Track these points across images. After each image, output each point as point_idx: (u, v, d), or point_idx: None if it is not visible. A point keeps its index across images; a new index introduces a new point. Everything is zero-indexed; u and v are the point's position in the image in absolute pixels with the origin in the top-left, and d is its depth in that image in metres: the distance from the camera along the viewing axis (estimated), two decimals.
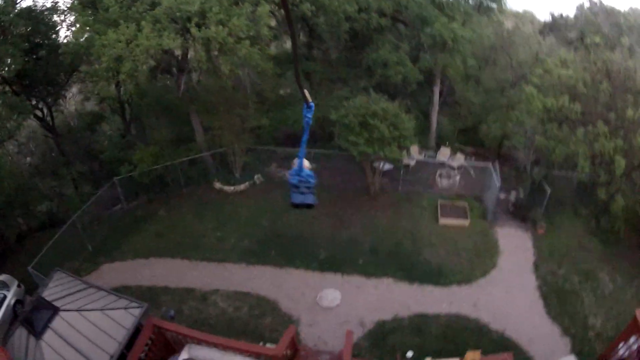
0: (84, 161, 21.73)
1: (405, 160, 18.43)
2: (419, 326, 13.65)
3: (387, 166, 18.36)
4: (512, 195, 18.60)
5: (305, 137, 3.53)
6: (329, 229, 17.11)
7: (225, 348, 8.76)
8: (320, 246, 16.20)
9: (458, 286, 15.01)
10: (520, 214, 17.87)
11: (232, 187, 18.71)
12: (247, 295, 14.77)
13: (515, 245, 16.81)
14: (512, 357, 8.01)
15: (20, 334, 10.46)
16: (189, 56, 16.94)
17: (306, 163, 3.57)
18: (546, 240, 17.19)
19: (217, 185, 18.89)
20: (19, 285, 15.42)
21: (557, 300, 14.79)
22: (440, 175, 19.00)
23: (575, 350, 13.28)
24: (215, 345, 8.82)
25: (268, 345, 12.88)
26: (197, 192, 19.35)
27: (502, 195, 18.45)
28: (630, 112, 15.17)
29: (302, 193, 4.08)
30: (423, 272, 15.35)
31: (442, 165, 19.34)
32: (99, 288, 12.38)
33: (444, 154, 19.80)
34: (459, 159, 19.27)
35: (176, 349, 9.35)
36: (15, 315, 14.48)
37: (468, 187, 18.93)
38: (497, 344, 13.07)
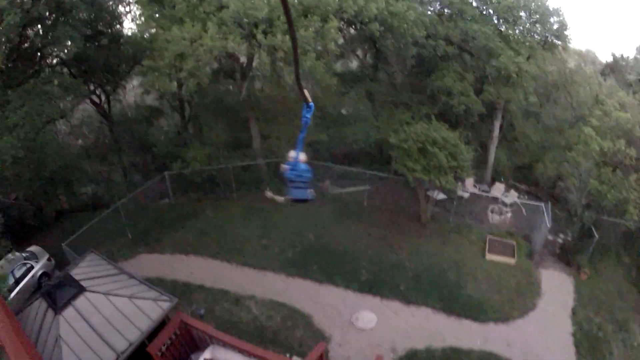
0: (136, 152, 22.24)
1: (460, 192, 18.24)
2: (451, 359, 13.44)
3: (441, 196, 18.21)
4: (560, 238, 18.17)
5: (302, 135, 3.58)
6: (375, 250, 16.97)
7: (250, 355, 8.63)
8: (363, 266, 16.10)
9: (495, 324, 14.70)
10: (565, 257, 17.42)
11: (282, 198, 18.46)
12: (282, 305, 14.74)
13: (556, 288, 16.40)
14: None
15: (40, 305, 10.57)
16: (253, 63, 17.19)
17: (302, 157, 3.58)
18: (587, 286, 16.74)
19: (269, 194, 18.65)
20: (49, 259, 16.03)
21: (589, 348, 14.45)
22: (492, 211, 18.77)
23: None
24: (240, 350, 8.72)
25: (295, 358, 12.93)
26: (247, 198, 19.44)
27: (551, 237, 18.04)
28: None
29: (299, 188, 4.09)
30: (463, 305, 15.07)
31: (495, 200, 19.12)
32: (132, 276, 12.47)
33: (499, 189, 19.54)
34: (513, 196, 18.98)
35: (200, 347, 9.32)
36: (40, 286, 14.94)
37: (518, 225, 18.57)
38: None
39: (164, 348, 8.85)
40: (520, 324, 14.78)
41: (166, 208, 19.43)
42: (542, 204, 17.84)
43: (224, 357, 8.65)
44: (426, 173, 15.26)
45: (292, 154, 4.20)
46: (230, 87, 18.27)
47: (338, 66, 20.05)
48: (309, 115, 3.61)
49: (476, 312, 14.90)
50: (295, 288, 15.44)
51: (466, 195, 19.02)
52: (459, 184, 17.21)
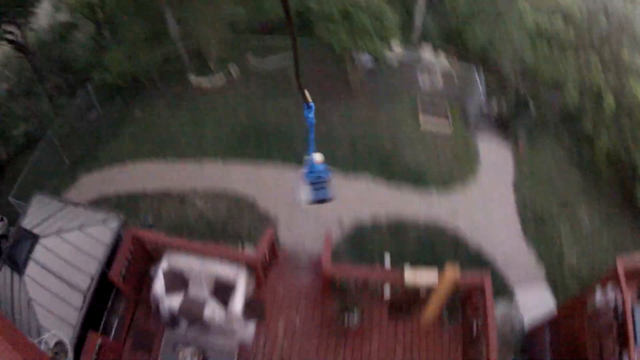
0: (58, 74, 20.83)
1: (388, 59, 17.76)
2: (397, 231, 13.45)
3: (369, 64, 17.71)
4: (495, 106, 18.00)
5: (311, 136, 3.46)
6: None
7: (204, 254, 8.45)
8: (298, 139, 15.54)
9: (437, 191, 14.69)
10: (502, 128, 17.40)
11: (208, 83, 18.13)
12: (225, 194, 14.48)
13: (495, 159, 16.52)
14: (489, 278, 7.78)
15: (5, 272, 9.81)
16: None
17: (317, 157, 3.52)
18: (528, 162, 16.91)
19: (194, 80, 18.22)
20: (1, 219, 14.69)
21: (535, 226, 14.65)
22: (422, 75, 18.33)
23: (549, 279, 13.43)
24: (194, 252, 8.50)
25: (247, 246, 12.80)
26: (174, 89, 18.52)
27: (485, 105, 17.88)
28: (625, 54, 14.92)
29: (318, 189, 3.93)
30: (402, 174, 14.96)
31: (424, 64, 18.59)
32: (77, 204, 11.77)
33: (427, 52, 19.01)
34: (442, 60, 18.63)
35: (157, 258, 8.94)
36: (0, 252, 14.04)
37: (451, 93, 18.26)
38: (473, 260, 13.05)
39: (123, 271, 8.41)
40: (462, 194, 14.89)
41: (96, 121, 18.46)
42: (474, 69, 17.60)
43: (179, 263, 8.33)
44: (351, 37, 14.71)
45: (307, 158, 3.97)
46: None
47: None
48: (311, 115, 3.46)
49: (417, 180, 14.86)
50: (235, 174, 15.13)
51: (395, 60, 18.48)
52: (387, 50, 16.71)
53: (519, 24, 16.96)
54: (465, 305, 8.49)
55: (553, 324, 9.76)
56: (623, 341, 7.30)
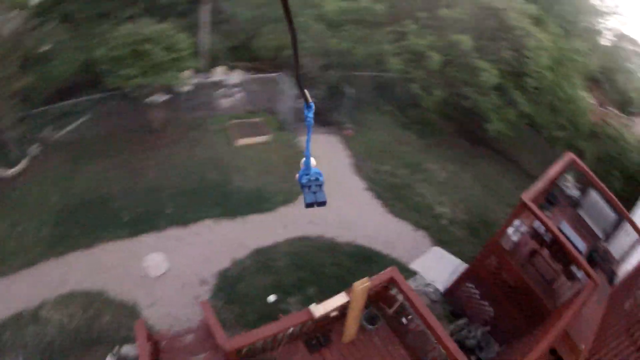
0: None
1: (181, 87, 16.43)
2: (264, 263, 12.29)
3: (164, 97, 16.09)
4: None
5: (308, 136, 2.80)
6: (123, 181, 14.15)
7: None
8: (121, 207, 13.42)
9: (285, 207, 13.88)
10: (321, 119, 17.56)
11: (9, 171, 14.63)
12: (73, 295, 11.60)
13: (327, 151, 16.38)
14: (395, 268, 7.91)
15: None
16: None
17: (313, 161, 2.93)
18: (359, 141, 17.36)
19: None
20: None
21: (394, 197, 14.95)
22: (221, 96, 17.60)
23: (435, 240, 13.95)
24: None
25: (125, 347, 10.79)
26: None
27: (298, 105, 17.51)
28: (444, 11, 16.51)
29: (314, 192, 3.32)
30: (242, 202, 13.80)
31: (220, 84, 17.82)
32: None
33: (220, 73, 18.31)
34: (238, 76, 18.12)
35: None
36: None
37: (256, 103, 17.98)
38: (355, 256, 12.83)
39: None
40: None
41: None
42: (278, 74, 17.50)
43: None
44: (145, 75, 13.41)
45: (303, 160, 2.82)
46: None
47: None
48: (311, 115, 3.03)
49: (258, 203, 13.90)
50: (72, 267, 12.18)
51: (189, 87, 17.22)
52: (183, 79, 15.60)
53: (317, 15, 17.44)
54: (378, 303, 8.48)
55: (472, 276, 10.39)
56: (566, 259, 8.27)
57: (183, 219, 13.07)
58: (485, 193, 17.53)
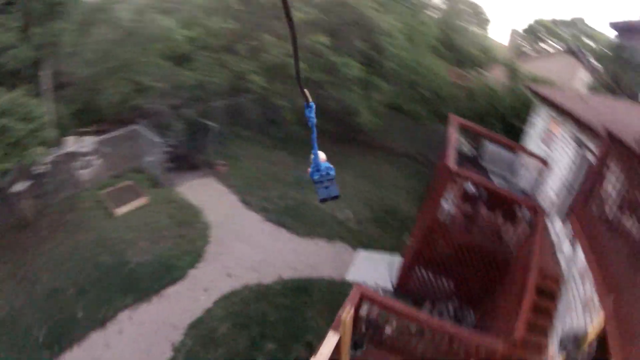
0: None
1: (39, 167, 13.95)
2: (207, 337, 10.48)
3: (26, 183, 13.54)
4: (172, 149, 16.38)
5: (314, 135, 2.97)
6: (20, 294, 11.14)
7: None
8: (30, 324, 10.46)
9: (195, 269, 12.38)
10: (189, 163, 16.63)
11: None
12: None
13: (208, 196, 15.53)
14: (362, 286, 7.30)
15: None
16: None
17: (322, 156, 2.23)
18: (235, 175, 16.91)
19: None
20: None
21: (294, 219, 14.78)
22: (80, 167, 15.22)
23: (353, 246, 14.05)
24: None
25: None
26: None
27: (164, 154, 16.13)
28: (297, 15, 16.36)
29: (326, 187, 2.56)
30: (148, 278, 11.80)
31: (75, 155, 15.27)
32: None
33: (71, 143, 15.94)
34: (90, 141, 15.72)
35: None
36: None
37: (118, 165, 15.98)
38: (290, 292, 11.96)
39: None
40: (217, 247, 13.15)
41: None
42: (136, 127, 15.92)
43: None
44: (8, 157, 11.04)
45: (312, 157, 3.21)
46: None
47: None
48: (312, 115, 2.85)
49: (167, 273, 11.97)
50: None
51: (46, 167, 14.47)
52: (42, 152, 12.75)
53: (163, 50, 16.73)
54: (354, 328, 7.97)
55: (418, 259, 10.29)
56: (504, 205, 8.92)
57: (99, 319, 10.68)
58: (375, 186, 18.32)
